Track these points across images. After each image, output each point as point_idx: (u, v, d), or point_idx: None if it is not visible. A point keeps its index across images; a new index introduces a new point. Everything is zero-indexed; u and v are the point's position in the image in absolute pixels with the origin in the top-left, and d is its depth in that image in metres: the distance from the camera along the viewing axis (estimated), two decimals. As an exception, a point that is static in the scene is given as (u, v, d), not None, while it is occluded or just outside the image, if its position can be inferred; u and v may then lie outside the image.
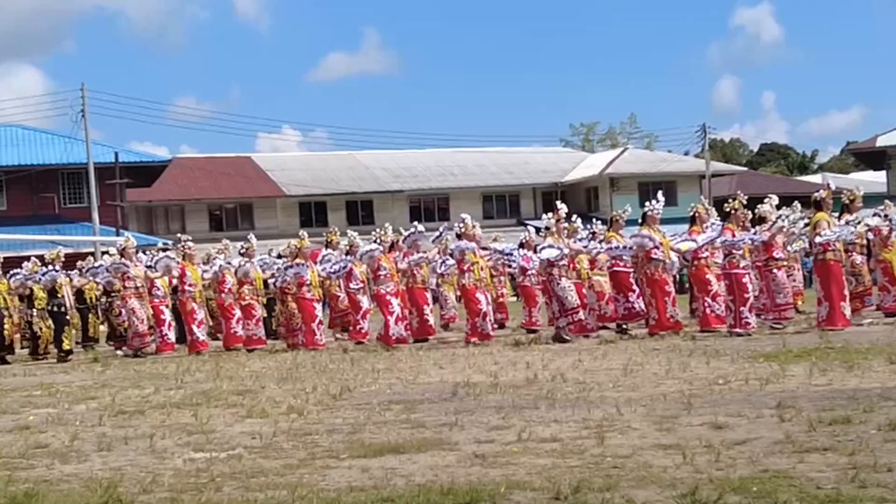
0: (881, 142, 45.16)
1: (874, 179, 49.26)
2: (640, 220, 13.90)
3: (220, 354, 14.39)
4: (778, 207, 13.97)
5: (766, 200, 13.89)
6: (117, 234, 34.66)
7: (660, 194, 13.92)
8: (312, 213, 47.23)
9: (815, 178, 59.03)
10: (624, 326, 13.92)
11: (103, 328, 19.08)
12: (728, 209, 13.26)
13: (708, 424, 5.78)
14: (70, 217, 38.64)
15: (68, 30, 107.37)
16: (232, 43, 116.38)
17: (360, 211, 47.50)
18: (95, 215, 36.31)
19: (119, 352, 16.28)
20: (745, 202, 13.34)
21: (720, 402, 6.68)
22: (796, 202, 16.35)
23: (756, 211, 13.78)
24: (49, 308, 16.13)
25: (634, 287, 13.66)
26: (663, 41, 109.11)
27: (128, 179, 38.92)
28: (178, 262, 15.56)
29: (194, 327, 15.38)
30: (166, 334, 15.59)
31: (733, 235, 12.78)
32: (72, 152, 37.50)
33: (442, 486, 4.49)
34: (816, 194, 13.24)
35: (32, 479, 5.25)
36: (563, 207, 14.00)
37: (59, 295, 16.20)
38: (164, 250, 18.45)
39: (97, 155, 37.68)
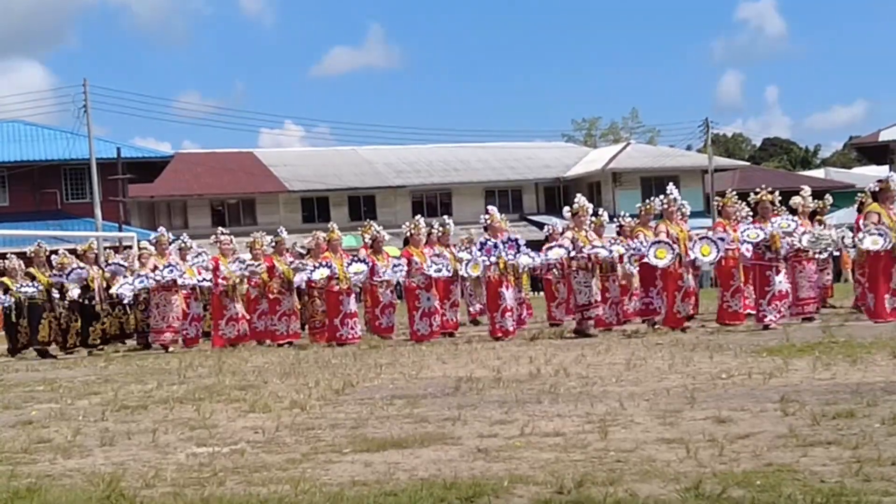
0: (884, 136, 45.12)
1: (877, 174, 49.17)
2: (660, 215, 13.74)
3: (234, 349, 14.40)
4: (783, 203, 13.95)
5: (800, 192, 13.78)
6: (120, 230, 34.72)
7: (671, 186, 13.68)
8: (315, 208, 47.27)
9: (818, 173, 59.07)
10: (653, 321, 13.69)
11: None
12: (718, 207, 13.52)
13: (711, 419, 5.77)
14: (72, 213, 38.71)
15: (72, 25, 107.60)
16: (236, 38, 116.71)
17: (363, 206, 47.52)
18: (98, 211, 36.33)
19: (146, 348, 16.09)
20: (735, 198, 13.49)
21: (723, 396, 6.67)
22: (828, 195, 16.36)
23: (791, 203, 13.69)
24: (81, 301, 16.04)
25: (658, 283, 13.42)
26: (666, 35, 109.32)
27: (130, 175, 38.99)
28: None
29: (221, 322, 15.25)
30: (186, 329, 15.50)
31: (724, 230, 12.83)
32: (74, 148, 37.54)
33: (445, 480, 4.48)
34: (871, 186, 13.22)
35: (35, 474, 5.24)
36: (583, 200, 13.87)
37: (92, 289, 16.12)
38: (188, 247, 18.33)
39: (100, 150, 37.73)
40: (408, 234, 14.67)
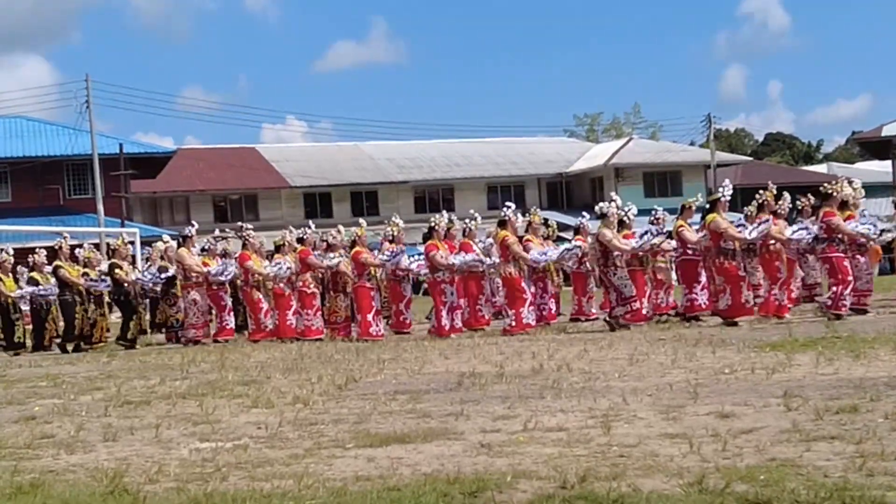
0: (887, 131, 45.04)
1: (880, 169, 49.18)
2: (707, 207, 13.53)
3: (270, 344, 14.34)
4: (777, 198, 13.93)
5: (851, 183, 13.60)
6: (122, 226, 34.73)
7: (727, 180, 13.57)
8: (317, 203, 47.27)
9: (821, 168, 59.03)
10: (688, 316, 13.49)
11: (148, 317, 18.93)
12: (761, 200, 13.52)
13: (714, 413, 5.76)
14: (75, 208, 38.72)
15: (75, 21, 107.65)
16: (239, 33, 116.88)
17: (365, 202, 47.54)
18: (100, 207, 36.36)
19: (176, 343, 16.02)
20: (775, 192, 13.47)
21: (726, 391, 6.66)
22: (860, 189, 16.32)
23: (842, 196, 13.60)
24: (116, 297, 15.90)
25: (701, 278, 13.33)
26: (668, 30, 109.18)
27: (133, 171, 38.99)
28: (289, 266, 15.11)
29: (260, 316, 15.14)
30: (226, 320, 15.43)
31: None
32: (77, 143, 37.54)
33: (448, 475, 4.48)
34: None
35: (38, 470, 5.24)
36: (616, 198, 13.80)
37: (128, 283, 16.02)
38: (224, 238, 18.23)
39: (102, 146, 37.75)
40: (432, 224, 14.43)
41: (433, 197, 48.59)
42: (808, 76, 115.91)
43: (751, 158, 60.56)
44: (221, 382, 9.02)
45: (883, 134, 45.34)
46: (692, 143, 56.51)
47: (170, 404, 7.66)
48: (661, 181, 48.59)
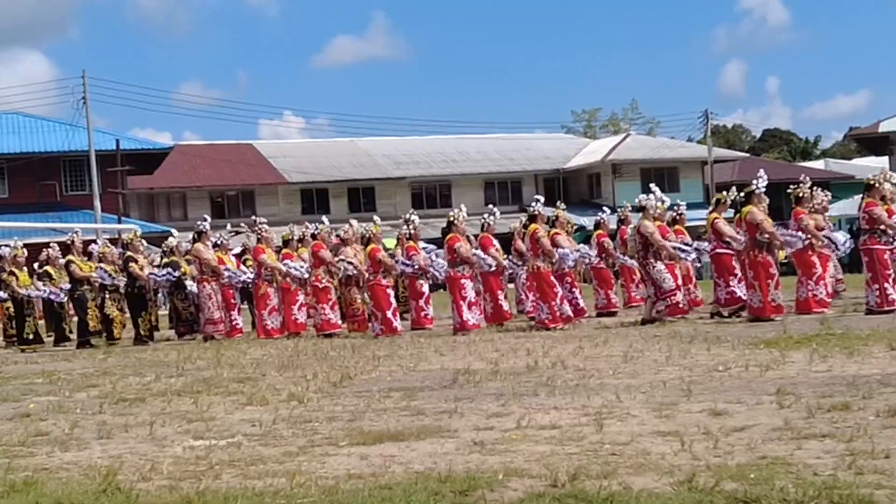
0: (884, 127, 45.02)
1: (877, 165, 49.15)
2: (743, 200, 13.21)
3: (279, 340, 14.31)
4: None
5: (889, 177, 13.49)
6: (119, 222, 34.71)
7: (762, 171, 13.38)
8: (314, 199, 47.20)
9: (818, 164, 58.98)
10: (723, 311, 13.34)
11: (162, 312, 18.79)
12: (799, 194, 13.62)
13: (707, 411, 5.78)
14: (72, 204, 38.66)
15: (74, 17, 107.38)
16: (238, 29, 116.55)
17: (362, 198, 47.46)
18: (97, 203, 36.32)
19: (187, 337, 15.96)
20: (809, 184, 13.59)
21: (720, 388, 6.69)
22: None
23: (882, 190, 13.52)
24: (130, 290, 15.83)
25: (737, 271, 13.13)
26: (667, 25, 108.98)
27: (130, 167, 38.93)
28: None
29: (265, 313, 15.07)
30: (235, 319, 15.45)
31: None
32: (74, 139, 37.48)
33: (440, 473, 4.49)
34: None
35: (32, 467, 5.26)
36: (656, 190, 13.74)
37: (143, 278, 15.88)
38: (238, 233, 18.14)
39: (99, 142, 37.69)
40: (451, 219, 14.30)
41: (430, 193, 48.57)
42: (807, 72, 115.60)
43: (748, 154, 60.57)
44: (216, 379, 9.04)
45: (880, 130, 45.32)
46: (689, 139, 56.31)
47: (164, 402, 7.67)
48: (659, 177, 48.34)
